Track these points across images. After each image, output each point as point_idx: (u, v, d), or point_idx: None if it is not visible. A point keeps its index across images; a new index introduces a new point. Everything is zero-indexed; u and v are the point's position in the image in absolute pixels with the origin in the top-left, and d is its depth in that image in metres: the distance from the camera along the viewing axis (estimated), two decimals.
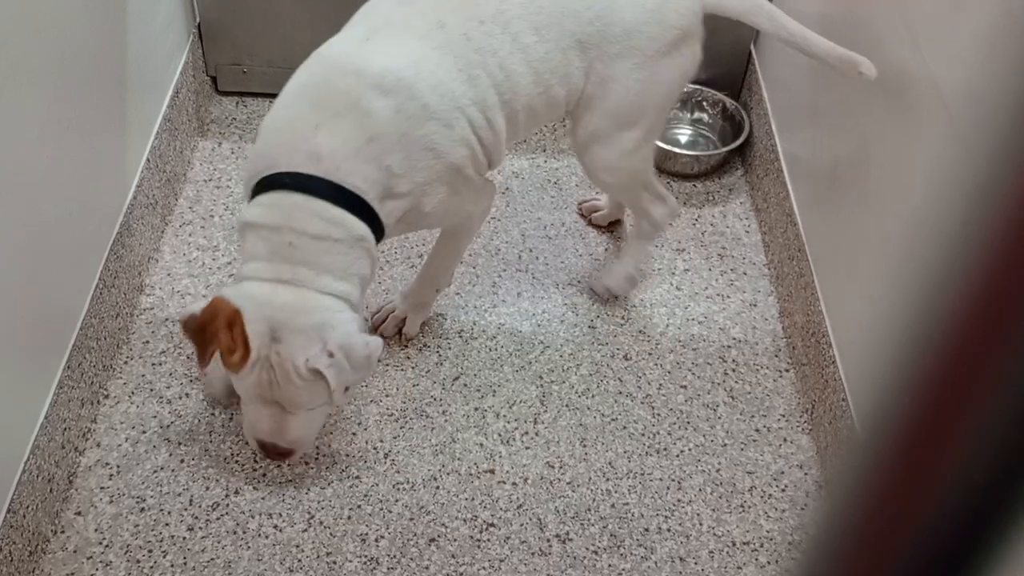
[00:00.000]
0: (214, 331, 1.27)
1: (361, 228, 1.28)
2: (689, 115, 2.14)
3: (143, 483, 1.47)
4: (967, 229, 0.25)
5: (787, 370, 1.70)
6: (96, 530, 1.41)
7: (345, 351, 1.26)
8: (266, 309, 1.26)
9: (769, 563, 1.43)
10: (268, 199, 1.28)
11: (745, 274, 1.86)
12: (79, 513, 1.43)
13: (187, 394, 1.59)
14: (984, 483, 0.25)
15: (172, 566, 1.38)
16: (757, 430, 1.60)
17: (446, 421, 1.58)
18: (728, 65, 2.11)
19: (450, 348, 1.69)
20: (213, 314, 1.27)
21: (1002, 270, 0.24)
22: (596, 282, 1.78)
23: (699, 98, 2.13)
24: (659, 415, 1.62)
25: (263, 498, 1.46)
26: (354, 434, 1.55)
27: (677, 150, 2.04)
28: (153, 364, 1.63)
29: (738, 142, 2.04)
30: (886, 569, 0.28)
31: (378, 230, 1.31)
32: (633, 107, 1.45)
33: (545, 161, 2.07)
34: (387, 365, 1.65)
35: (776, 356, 1.72)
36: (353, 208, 1.27)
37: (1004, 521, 0.26)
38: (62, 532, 1.41)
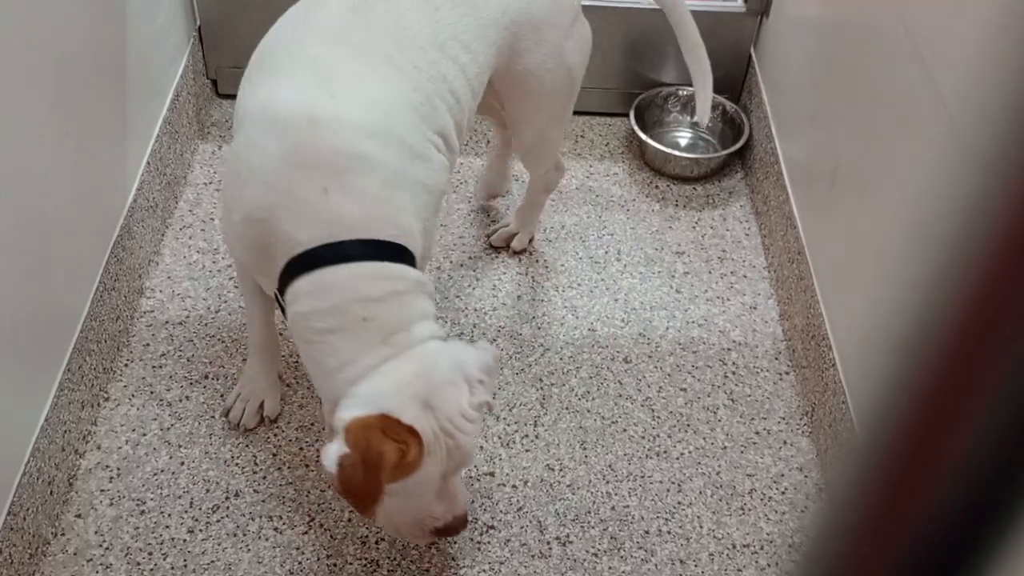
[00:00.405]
0: (377, 451, 1.11)
1: (413, 272, 1.20)
2: (689, 118, 2.15)
3: (143, 485, 1.47)
4: (966, 232, 0.25)
5: (787, 373, 1.70)
6: (96, 532, 1.41)
7: (485, 370, 1.22)
8: (404, 392, 1.15)
9: (769, 566, 1.43)
10: (310, 283, 1.16)
11: (745, 277, 1.87)
12: (79, 515, 1.43)
13: (187, 397, 1.59)
14: (982, 484, 0.26)
15: (172, 568, 1.38)
16: (757, 433, 1.60)
17: None
18: (728, 68, 2.12)
19: None
20: (364, 437, 1.12)
21: (1000, 272, 0.24)
22: (498, 237, 1.87)
23: None
24: (659, 418, 1.62)
25: (263, 501, 1.47)
26: None
27: (677, 153, 2.05)
28: (153, 367, 1.63)
29: (738, 145, 2.04)
30: (885, 569, 0.28)
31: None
32: (548, 94, 1.52)
33: None
34: None
35: (776, 359, 1.72)
36: (396, 256, 1.18)
37: (1002, 521, 0.26)
38: (62, 534, 1.41)
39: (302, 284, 1.17)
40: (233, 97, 2.16)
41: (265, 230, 1.17)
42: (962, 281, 0.25)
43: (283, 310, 1.23)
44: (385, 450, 1.11)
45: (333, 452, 1.12)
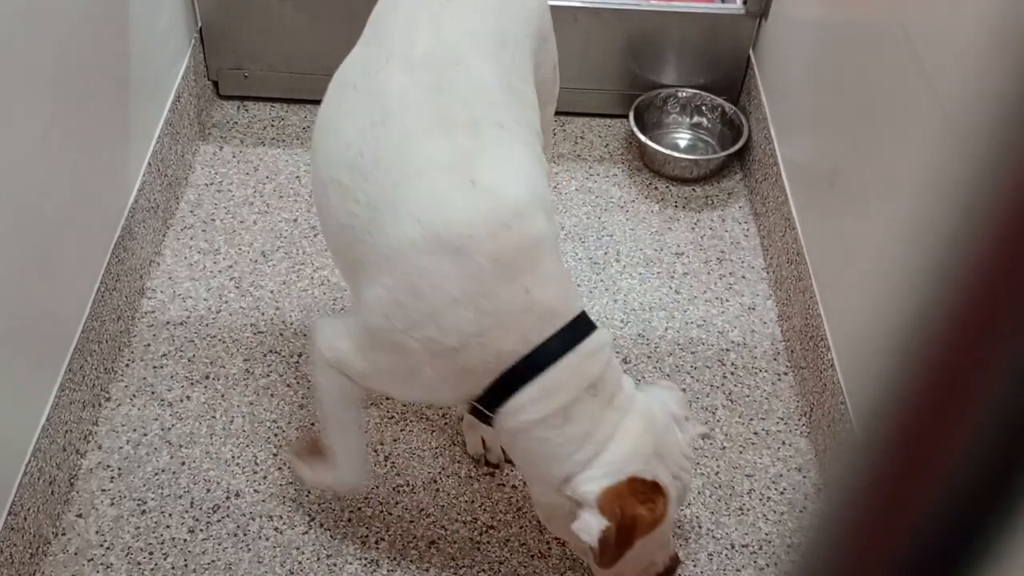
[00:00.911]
0: (630, 516, 1.10)
1: (603, 331, 1.17)
2: (688, 119, 2.15)
3: (144, 485, 1.48)
4: (964, 232, 0.25)
5: (785, 373, 1.71)
6: (97, 532, 1.42)
7: (684, 405, 1.24)
8: (642, 451, 1.13)
9: (768, 566, 1.43)
10: (537, 390, 1.10)
11: (744, 278, 1.87)
12: (80, 515, 1.44)
13: (188, 397, 1.60)
14: (980, 481, 0.26)
15: (173, 568, 1.38)
16: (756, 433, 1.61)
17: (446, 424, 1.58)
18: (727, 69, 2.12)
19: None
20: (619, 506, 1.09)
21: (997, 273, 0.24)
22: None
23: (698, 102, 2.14)
24: None
25: (264, 501, 1.47)
26: None
27: (676, 154, 2.05)
28: (154, 367, 1.64)
29: (737, 146, 2.05)
30: (883, 565, 0.28)
31: None
32: (553, 98, 1.50)
33: None
34: None
35: (775, 359, 1.73)
36: (588, 323, 1.16)
37: (999, 520, 0.26)
38: (63, 534, 1.41)
39: (527, 395, 1.10)
40: (234, 98, 2.18)
41: (460, 358, 1.08)
42: (959, 281, 0.25)
43: (483, 418, 1.16)
44: (638, 515, 1.10)
45: (594, 527, 1.09)
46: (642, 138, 2.04)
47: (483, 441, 1.51)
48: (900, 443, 0.28)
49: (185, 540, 1.42)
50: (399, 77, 1.14)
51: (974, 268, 0.25)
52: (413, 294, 1.06)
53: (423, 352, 1.08)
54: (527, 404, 1.10)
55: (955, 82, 1.20)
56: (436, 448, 1.55)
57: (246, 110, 2.14)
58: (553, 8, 1.44)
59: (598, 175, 2.06)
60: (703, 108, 2.14)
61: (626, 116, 2.11)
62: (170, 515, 1.44)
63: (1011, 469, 0.26)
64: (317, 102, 2.32)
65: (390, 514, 1.46)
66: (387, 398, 1.61)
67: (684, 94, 2.13)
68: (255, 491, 1.48)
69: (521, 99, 1.21)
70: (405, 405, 1.60)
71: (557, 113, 2.18)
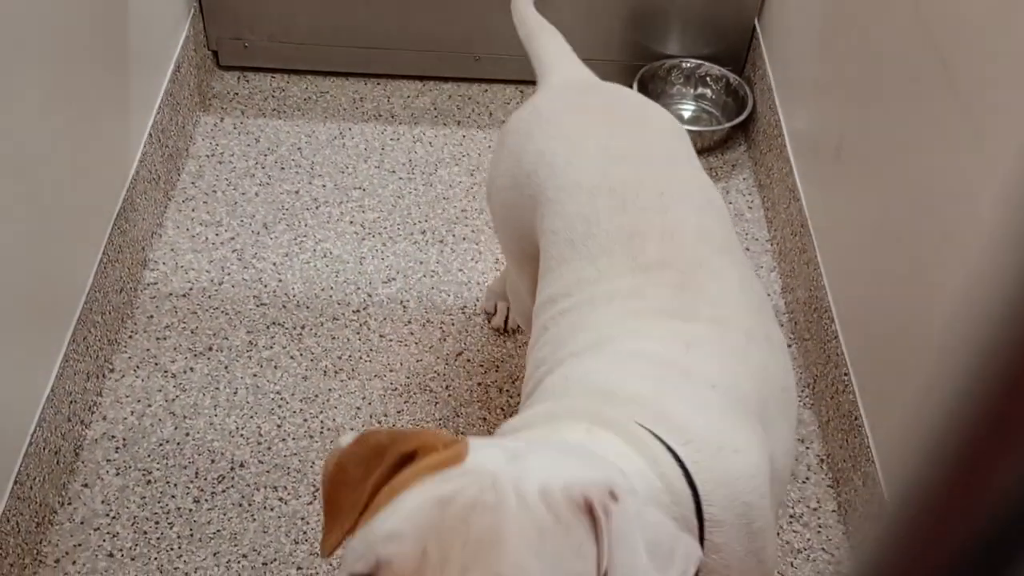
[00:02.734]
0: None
1: None
2: (692, 90, 2.14)
3: (149, 456, 1.48)
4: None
5: (789, 345, 1.70)
6: (103, 502, 1.42)
7: None
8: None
9: None
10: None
11: (748, 249, 1.86)
12: (86, 485, 1.44)
13: (191, 368, 1.60)
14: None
15: (179, 537, 1.39)
16: None
17: (449, 396, 1.59)
18: (732, 40, 2.11)
19: (453, 324, 1.69)
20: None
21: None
22: None
23: (702, 73, 2.13)
24: None
25: (268, 472, 1.48)
26: (358, 408, 1.56)
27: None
28: (158, 338, 1.64)
29: (741, 118, 2.04)
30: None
31: None
32: None
33: None
34: (391, 341, 1.66)
35: None
36: None
37: None
38: (69, 504, 1.42)
39: None
40: (234, 68, 2.16)
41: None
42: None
43: None
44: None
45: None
46: None
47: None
48: (968, 451, 0.26)
49: (190, 510, 1.42)
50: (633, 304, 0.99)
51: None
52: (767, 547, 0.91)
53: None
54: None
55: (963, 51, 1.19)
56: (439, 420, 1.55)
57: (247, 81, 2.13)
58: None
59: None
60: (707, 79, 2.13)
61: (630, 87, 2.10)
62: (175, 485, 1.45)
63: None
64: (318, 72, 2.30)
65: None
66: (391, 370, 1.61)
67: (688, 65, 2.12)
68: (259, 462, 1.49)
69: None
70: (408, 377, 1.61)
71: None
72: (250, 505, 1.44)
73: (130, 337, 1.64)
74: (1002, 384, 0.24)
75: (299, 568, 1.37)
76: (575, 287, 1.02)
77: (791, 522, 1.46)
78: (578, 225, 1.06)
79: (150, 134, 1.77)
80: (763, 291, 1.08)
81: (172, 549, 1.38)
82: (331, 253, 1.79)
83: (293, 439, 1.51)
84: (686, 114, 2.13)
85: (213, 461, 1.48)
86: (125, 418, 1.53)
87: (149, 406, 1.55)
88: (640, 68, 2.10)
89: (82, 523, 1.40)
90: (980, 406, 0.24)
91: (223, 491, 1.45)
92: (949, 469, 0.26)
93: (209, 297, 1.71)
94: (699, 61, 2.11)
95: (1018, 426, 0.24)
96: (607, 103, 1.23)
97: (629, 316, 0.97)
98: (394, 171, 1.95)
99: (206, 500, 1.44)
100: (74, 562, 1.36)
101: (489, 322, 1.69)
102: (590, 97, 1.24)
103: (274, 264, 1.77)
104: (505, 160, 1.21)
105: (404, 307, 1.71)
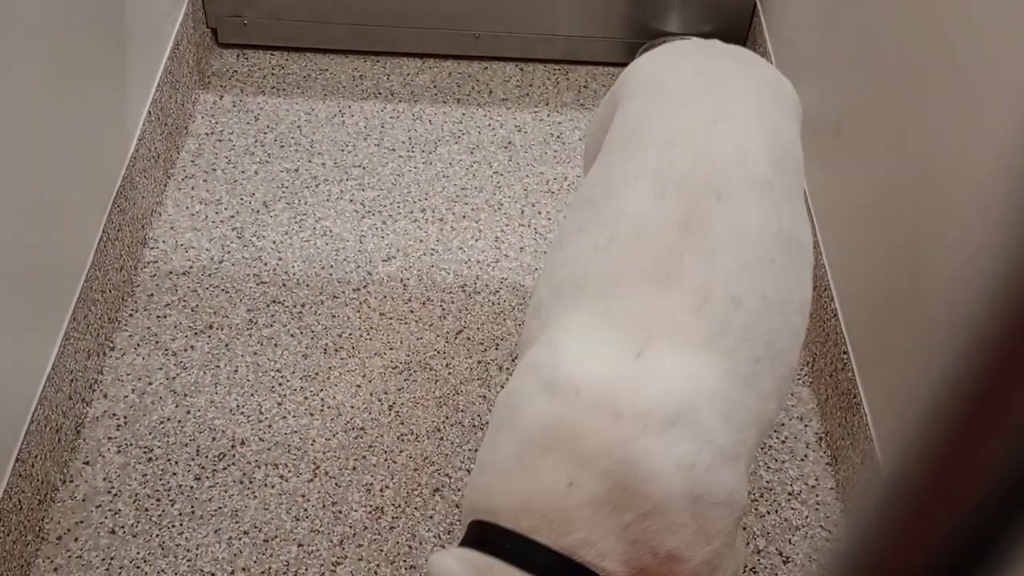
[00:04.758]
0: None
1: None
2: None
3: (150, 433, 1.49)
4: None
5: None
6: (104, 479, 1.43)
7: None
8: None
9: (768, 513, 1.45)
10: None
11: None
12: (87, 463, 1.45)
13: (192, 346, 1.60)
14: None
15: (180, 514, 1.40)
16: None
17: (449, 374, 1.59)
18: (733, 17, 2.09)
19: (453, 302, 1.70)
20: None
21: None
22: None
23: None
24: None
25: (269, 449, 1.48)
26: (359, 386, 1.57)
27: None
28: (158, 317, 1.64)
29: None
30: (922, 558, 0.27)
31: None
32: None
33: (548, 115, 2.06)
34: (391, 319, 1.66)
35: None
36: None
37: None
38: (71, 481, 1.43)
39: None
40: (233, 46, 2.15)
41: None
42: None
43: None
44: None
45: None
46: None
47: None
48: (963, 424, 0.26)
49: (192, 487, 1.43)
50: (641, 202, 0.97)
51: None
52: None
53: None
54: None
55: (965, 30, 1.19)
56: (440, 398, 1.56)
57: (246, 58, 2.12)
58: None
59: None
60: None
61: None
62: (176, 463, 1.46)
63: None
64: (317, 50, 2.29)
65: (394, 462, 1.48)
66: (391, 348, 1.61)
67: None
68: (260, 439, 1.49)
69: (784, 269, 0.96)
70: (408, 355, 1.61)
71: (558, 62, 2.16)
72: (251, 482, 1.44)
73: (130, 315, 1.64)
74: (999, 359, 0.24)
75: (300, 545, 1.38)
76: (601, 187, 1.02)
77: (789, 499, 1.47)
78: (633, 120, 1.09)
79: (149, 112, 1.76)
80: (801, 236, 1.00)
81: (173, 526, 1.39)
82: (331, 231, 1.79)
83: (294, 417, 1.52)
84: None
85: (214, 439, 1.49)
86: (126, 396, 1.53)
87: (150, 384, 1.55)
88: (640, 45, 2.09)
89: (84, 500, 1.41)
90: (977, 381, 0.25)
91: (224, 468, 1.46)
92: (945, 445, 0.26)
93: (209, 275, 1.71)
94: (700, 38, 2.10)
95: (1014, 402, 0.24)
96: (724, 50, 1.28)
97: (608, 285, 0.93)
98: (394, 149, 1.95)
99: (207, 477, 1.44)
100: (76, 539, 1.37)
101: None
102: (715, 46, 1.30)
103: (274, 242, 1.77)
104: (615, 86, 1.25)
105: (404, 285, 1.71)
